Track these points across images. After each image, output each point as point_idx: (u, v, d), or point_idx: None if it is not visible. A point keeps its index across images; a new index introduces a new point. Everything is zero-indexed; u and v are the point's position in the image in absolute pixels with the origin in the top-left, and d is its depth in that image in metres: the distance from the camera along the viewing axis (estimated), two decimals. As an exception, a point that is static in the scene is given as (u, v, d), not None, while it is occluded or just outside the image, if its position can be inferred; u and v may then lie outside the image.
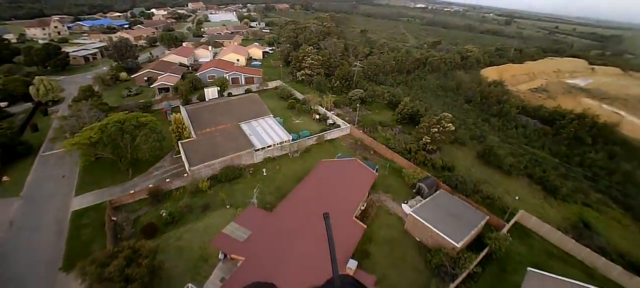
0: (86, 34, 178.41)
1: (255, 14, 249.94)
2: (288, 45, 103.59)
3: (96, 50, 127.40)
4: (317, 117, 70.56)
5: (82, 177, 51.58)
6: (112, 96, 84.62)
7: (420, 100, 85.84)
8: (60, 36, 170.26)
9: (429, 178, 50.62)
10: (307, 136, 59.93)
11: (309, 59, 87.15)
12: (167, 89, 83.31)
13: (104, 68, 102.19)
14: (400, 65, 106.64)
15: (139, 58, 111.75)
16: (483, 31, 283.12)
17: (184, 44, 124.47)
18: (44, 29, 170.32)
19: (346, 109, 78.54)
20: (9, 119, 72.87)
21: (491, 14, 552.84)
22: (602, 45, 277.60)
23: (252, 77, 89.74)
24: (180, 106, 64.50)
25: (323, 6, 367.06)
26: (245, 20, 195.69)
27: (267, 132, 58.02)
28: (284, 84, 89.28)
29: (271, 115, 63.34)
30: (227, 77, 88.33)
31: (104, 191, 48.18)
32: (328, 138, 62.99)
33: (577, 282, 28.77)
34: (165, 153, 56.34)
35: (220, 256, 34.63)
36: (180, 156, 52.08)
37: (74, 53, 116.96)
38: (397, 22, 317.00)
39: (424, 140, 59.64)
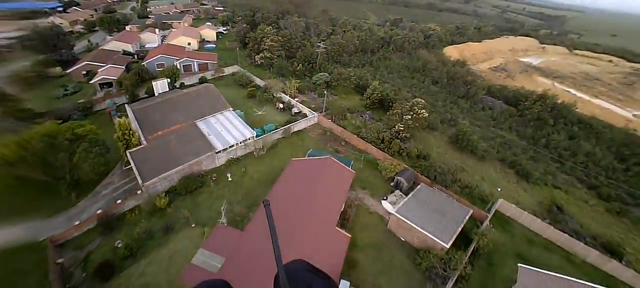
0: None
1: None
2: (244, 25, 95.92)
3: (8, 41, 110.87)
4: (281, 106, 66.43)
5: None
6: (40, 98, 74.16)
7: (388, 82, 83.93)
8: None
9: (407, 170, 49.33)
10: (272, 130, 55.99)
11: (267, 40, 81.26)
12: (109, 84, 74.36)
13: (25, 63, 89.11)
14: (364, 44, 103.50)
15: (75, 48, 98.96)
16: (442, 9, 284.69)
17: (127, 28, 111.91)
18: None
19: (311, 95, 74.90)
20: None
21: None
22: (548, 25, 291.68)
23: (206, 63, 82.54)
24: (126, 105, 57.33)
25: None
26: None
27: (228, 129, 53.33)
28: (242, 69, 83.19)
29: (230, 109, 58.32)
30: (178, 65, 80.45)
31: (43, 224, 39.97)
32: (295, 130, 59.50)
33: (569, 278, 29.00)
34: (113, 166, 50.16)
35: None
36: (131, 167, 46.33)
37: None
38: (359, 2, 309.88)
39: (397, 128, 58.03)
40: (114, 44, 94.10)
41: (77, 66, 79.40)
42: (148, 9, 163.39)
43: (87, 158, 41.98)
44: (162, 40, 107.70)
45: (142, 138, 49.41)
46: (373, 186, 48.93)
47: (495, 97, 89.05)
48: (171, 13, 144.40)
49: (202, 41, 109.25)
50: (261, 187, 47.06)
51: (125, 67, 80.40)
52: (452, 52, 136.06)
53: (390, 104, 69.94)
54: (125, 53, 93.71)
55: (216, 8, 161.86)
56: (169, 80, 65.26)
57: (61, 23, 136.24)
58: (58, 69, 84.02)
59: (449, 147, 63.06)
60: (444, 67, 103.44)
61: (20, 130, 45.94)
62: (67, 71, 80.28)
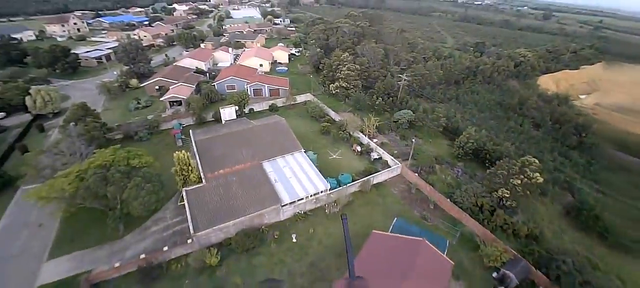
0: (105, 31, 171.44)
1: (279, 9, 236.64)
2: (318, 49, 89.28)
3: (110, 50, 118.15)
4: (359, 149, 56.12)
5: (62, 229, 40.56)
6: (119, 108, 73.83)
7: (481, 126, 69.45)
8: (79, 33, 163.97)
9: (518, 262, 35.32)
10: (348, 183, 45.59)
11: (344, 68, 72.56)
12: (179, 102, 71.25)
13: (115, 72, 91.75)
14: (449, 74, 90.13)
15: (152, 61, 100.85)
16: (521, 27, 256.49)
17: (202, 45, 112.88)
18: (63, 25, 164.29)
19: (392, 135, 63.67)
20: (0, 134, 63.47)
21: (526, 8, 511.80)
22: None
23: (278, 89, 76.24)
24: (191, 132, 51.55)
25: (349, 1, 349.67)
26: (269, 17, 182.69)
27: (298, 177, 44.21)
28: (314, 98, 75.17)
29: (302, 150, 49.46)
30: (248, 89, 75.39)
31: (85, 253, 36.67)
32: (374, 182, 48.49)
33: None
34: (168, 198, 43.95)
35: None
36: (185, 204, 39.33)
37: (85, 54, 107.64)
38: (429, 18, 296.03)
39: (500, 193, 44.13)
40: (188, 61, 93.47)
41: (151, 81, 78.45)
42: (224, 27, 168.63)
43: (138, 196, 35.58)
44: (234, 60, 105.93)
45: (202, 175, 42.34)
46: (470, 276, 35.77)
47: (628, 152, 68.57)
48: (245, 32, 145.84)
49: (274, 62, 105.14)
50: (332, 257, 36.74)
51: (196, 86, 77.49)
52: (547, 82, 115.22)
53: (487, 155, 55.86)
54: (198, 71, 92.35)
55: (288, 28, 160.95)
56: (237, 108, 59.10)
57: (145, 36, 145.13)
58: (134, 81, 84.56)
59: (565, 222, 47.14)
60: (547, 106, 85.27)
61: (89, 153, 42.36)
62: (142, 84, 79.81)
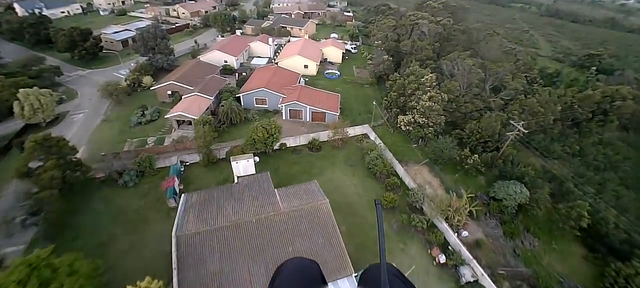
0: (148, 4, 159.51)
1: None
2: (386, 57, 63.90)
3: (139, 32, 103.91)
4: (441, 259, 32.80)
5: None
6: (120, 120, 57.38)
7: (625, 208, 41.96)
8: (123, 6, 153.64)
9: None
10: None
11: (425, 97, 47.80)
12: (189, 122, 52.54)
13: (133, 63, 75.76)
14: (571, 111, 60.50)
15: (178, 50, 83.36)
16: (633, 29, 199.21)
17: (238, 32, 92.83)
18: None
19: (490, 223, 39.14)
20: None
21: (631, 0, 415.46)
22: None
23: (323, 113, 54.05)
24: (173, 237, 31.21)
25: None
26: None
27: None
28: (374, 135, 51.95)
29: (353, 275, 27.33)
30: (283, 109, 54.29)
31: None
32: None
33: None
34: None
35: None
36: None
37: (110, 35, 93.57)
38: (509, 10, 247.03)
39: None
40: (215, 56, 74.21)
41: (162, 85, 60.64)
42: (271, 6, 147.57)
43: None
44: (274, 54, 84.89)
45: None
46: None
47: None
48: (293, 14, 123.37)
49: (324, 60, 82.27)
50: None
51: (217, 95, 57.97)
52: None
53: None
54: (226, 69, 72.88)
55: (345, 13, 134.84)
56: (257, 156, 38.32)
57: (184, 13, 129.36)
58: (148, 79, 67.57)
59: None
60: None
61: None
62: (153, 87, 62.25)
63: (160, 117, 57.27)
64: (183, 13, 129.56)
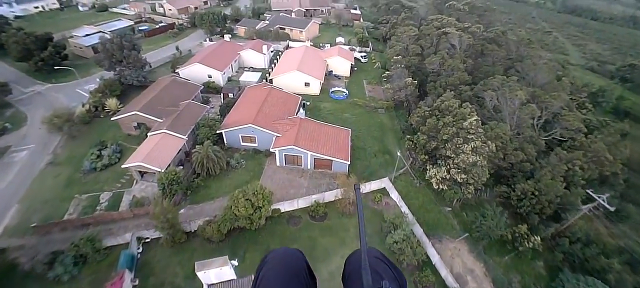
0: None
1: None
2: (409, 80, 49.85)
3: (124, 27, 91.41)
4: None
5: None
6: (71, 164, 44.79)
7: None
8: (105, 1, 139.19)
9: None
10: None
11: (467, 148, 34.79)
12: (153, 174, 39.90)
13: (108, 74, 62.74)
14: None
15: (155, 60, 70.15)
16: None
17: (227, 37, 79.12)
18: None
19: None
20: None
21: None
22: None
23: (330, 161, 41.06)
24: None
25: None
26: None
27: None
28: (396, 194, 39.15)
29: None
30: (277, 154, 41.46)
31: None
32: None
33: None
34: None
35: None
36: None
37: (78, 40, 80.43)
38: (524, 6, 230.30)
39: None
40: (195, 70, 61.07)
41: (124, 115, 47.62)
42: (270, 1, 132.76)
43: None
44: (270, 63, 71.58)
45: None
46: None
47: None
48: (294, 12, 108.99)
49: (329, 73, 69.05)
50: None
51: (192, 130, 45.15)
52: None
53: None
54: (209, 87, 59.85)
55: (352, 10, 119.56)
56: (235, 263, 25.71)
57: (170, 9, 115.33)
58: (113, 102, 54.58)
59: None
60: None
61: None
62: (114, 118, 49.32)
63: (123, 157, 44.69)
64: (170, 10, 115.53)
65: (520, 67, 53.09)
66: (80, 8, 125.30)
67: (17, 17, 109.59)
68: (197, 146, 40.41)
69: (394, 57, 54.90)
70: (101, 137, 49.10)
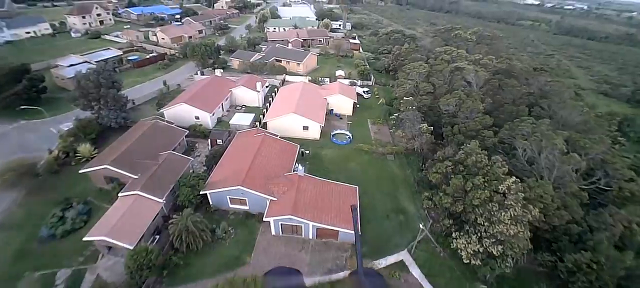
0: (128, 26, 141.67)
1: (337, 8, 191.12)
2: (424, 126, 43.57)
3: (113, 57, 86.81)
4: None
5: None
6: (28, 225, 37.68)
7: None
8: (99, 28, 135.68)
9: None
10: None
11: (505, 216, 28.49)
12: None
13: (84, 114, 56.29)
14: None
15: (127, 103, 63.91)
16: None
17: (218, 72, 73.71)
18: (84, 17, 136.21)
19: None
20: None
21: (635, 13, 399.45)
22: None
23: (335, 231, 34.26)
24: None
25: (419, 2, 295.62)
26: (326, 20, 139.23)
27: None
28: (417, 270, 32.52)
29: None
30: (272, 224, 34.72)
31: None
32: None
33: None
34: None
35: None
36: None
37: (62, 70, 75.14)
38: (519, 28, 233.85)
39: None
40: (181, 111, 55.17)
41: (94, 168, 40.97)
42: (266, 30, 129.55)
43: None
44: (264, 101, 66.15)
45: None
46: None
47: None
48: (291, 43, 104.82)
49: (330, 111, 63.55)
50: None
51: (172, 190, 38.48)
52: None
53: None
54: (196, 133, 53.67)
55: (351, 40, 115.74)
56: None
57: (163, 38, 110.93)
58: (86, 148, 47.98)
59: None
60: None
61: None
62: (82, 170, 42.49)
63: (92, 219, 37.81)
64: (162, 38, 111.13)
65: (547, 105, 47.81)
66: (73, 35, 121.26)
67: (7, 42, 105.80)
68: (174, 216, 33.62)
69: (405, 98, 49.28)
70: (68, 192, 42.20)
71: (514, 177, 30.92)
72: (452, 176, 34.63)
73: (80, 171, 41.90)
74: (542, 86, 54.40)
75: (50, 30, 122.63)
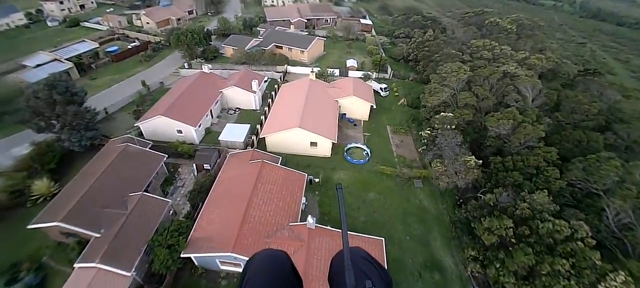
0: (110, 9, 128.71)
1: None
2: (471, 161, 32.47)
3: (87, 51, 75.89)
4: None
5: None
6: None
7: None
8: (78, 13, 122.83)
9: None
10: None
11: None
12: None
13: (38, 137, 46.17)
14: None
15: (95, 118, 53.80)
16: None
17: (206, 68, 61.99)
18: (61, 2, 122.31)
19: None
20: None
21: None
22: None
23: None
24: None
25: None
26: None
27: None
28: None
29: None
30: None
31: None
32: None
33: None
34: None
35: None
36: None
37: (22, 75, 64.60)
38: (539, 8, 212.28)
39: None
40: (160, 124, 44.95)
41: (43, 225, 31.62)
42: (264, 2, 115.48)
43: None
44: (261, 101, 55.67)
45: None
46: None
47: None
48: (292, 23, 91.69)
49: (342, 116, 52.88)
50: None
51: (145, 252, 29.17)
52: None
53: None
54: (176, 151, 43.69)
55: (361, 20, 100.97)
56: None
57: (148, 23, 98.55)
58: (43, 185, 38.58)
59: None
60: None
61: None
62: (31, 225, 33.08)
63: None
64: (147, 23, 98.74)
65: (626, 133, 36.30)
66: (49, 24, 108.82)
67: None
68: (158, 256, 24.55)
69: (442, 113, 38.15)
70: (17, 251, 33.27)
71: (623, 274, 20.79)
72: (516, 245, 24.67)
73: (29, 226, 32.55)
74: (611, 103, 42.37)
75: (25, 21, 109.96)
